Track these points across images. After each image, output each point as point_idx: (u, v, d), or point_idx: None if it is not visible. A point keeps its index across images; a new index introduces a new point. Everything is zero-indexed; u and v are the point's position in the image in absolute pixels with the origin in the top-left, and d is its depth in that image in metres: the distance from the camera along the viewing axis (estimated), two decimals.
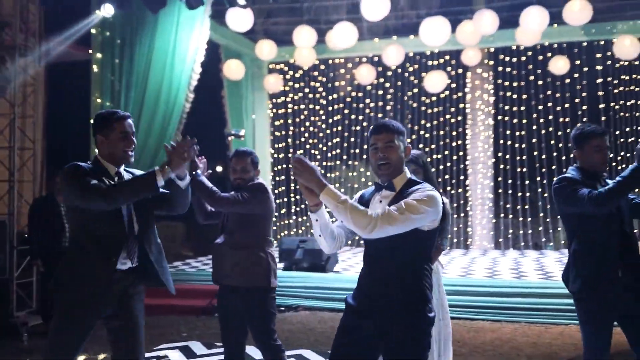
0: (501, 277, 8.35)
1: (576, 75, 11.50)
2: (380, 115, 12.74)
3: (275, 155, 13.17)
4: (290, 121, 13.17)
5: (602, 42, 11.42)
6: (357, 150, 12.93)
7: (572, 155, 4.01)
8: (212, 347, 6.25)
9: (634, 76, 11.42)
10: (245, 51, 12.01)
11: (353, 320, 2.92)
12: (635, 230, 3.36)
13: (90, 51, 8.11)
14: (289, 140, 13.08)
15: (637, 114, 11.47)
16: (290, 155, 13.12)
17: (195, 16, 7.82)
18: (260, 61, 12.65)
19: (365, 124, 12.82)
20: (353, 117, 12.96)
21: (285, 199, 13.16)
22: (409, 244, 2.84)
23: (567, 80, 11.61)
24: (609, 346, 3.59)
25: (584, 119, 11.61)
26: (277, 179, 13.15)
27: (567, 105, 11.71)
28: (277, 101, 13.11)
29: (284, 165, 13.13)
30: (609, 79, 11.52)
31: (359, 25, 10.49)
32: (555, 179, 3.80)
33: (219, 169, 15.55)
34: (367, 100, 12.84)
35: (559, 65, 10.92)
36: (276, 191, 13.09)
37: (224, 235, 4.10)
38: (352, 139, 12.94)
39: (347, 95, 13.02)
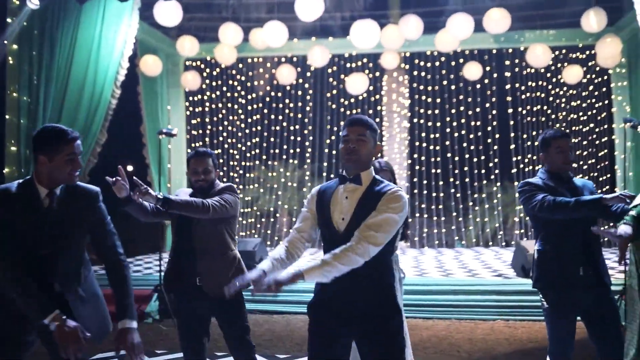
0: (430, 276, 8.58)
1: (487, 81, 12.06)
2: (299, 115, 12.77)
3: None
4: (207, 120, 12.89)
5: (511, 50, 12.06)
6: (277, 151, 12.86)
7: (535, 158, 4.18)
8: (153, 355, 5.99)
9: (539, 83, 12.12)
10: (160, 46, 11.60)
11: (330, 325, 2.88)
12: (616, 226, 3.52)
13: (5, 42, 7.52)
14: (206, 139, 12.79)
15: (543, 119, 12.19)
16: None
17: (124, 8, 7.47)
18: (176, 57, 12.30)
19: (284, 124, 12.80)
20: (272, 117, 12.89)
21: None
22: (388, 249, 2.87)
23: (479, 86, 12.15)
24: (571, 339, 3.79)
25: (494, 123, 12.23)
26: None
27: (478, 110, 12.25)
28: (194, 99, 12.78)
29: None
30: (517, 85, 12.16)
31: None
32: (521, 181, 4.01)
33: (130, 168, 14.92)
34: (287, 101, 12.81)
35: (472, 71, 11.40)
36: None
37: (191, 240, 3.90)
38: (272, 139, 12.87)
39: (267, 95, 12.93)
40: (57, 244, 2.95)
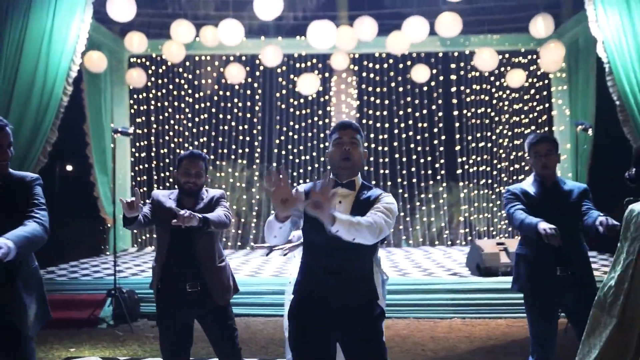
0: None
1: (433, 83, 12.29)
2: (248, 115, 12.64)
3: (137, 154, 12.47)
4: (152, 118, 12.56)
5: (457, 54, 12.33)
6: (225, 151, 12.67)
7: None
8: None
9: (484, 86, 12.44)
10: (104, 42, 11.21)
11: (316, 329, 2.86)
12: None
13: None
14: (152, 138, 12.46)
15: (487, 121, 12.51)
16: (152, 154, 12.53)
17: (76, 1, 7.16)
18: (120, 54, 11.95)
19: (233, 123, 12.63)
20: (221, 116, 12.69)
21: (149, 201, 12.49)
22: (371, 249, 2.91)
23: (425, 88, 12.37)
24: (552, 335, 3.89)
25: (440, 125, 12.48)
26: (138, 179, 12.46)
27: (425, 112, 12.46)
28: (138, 97, 12.44)
29: (146, 165, 12.50)
30: (462, 88, 12.44)
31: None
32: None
33: (69, 167, 14.37)
34: (236, 100, 12.64)
35: (420, 73, 11.59)
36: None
37: (193, 249, 3.75)
38: (220, 139, 12.66)
39: (215, 94, 12.72)
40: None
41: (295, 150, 12.60)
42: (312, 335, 2.85)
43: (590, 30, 7.46)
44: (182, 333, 3.77)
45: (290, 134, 12.66)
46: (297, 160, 12.62)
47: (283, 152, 12.63)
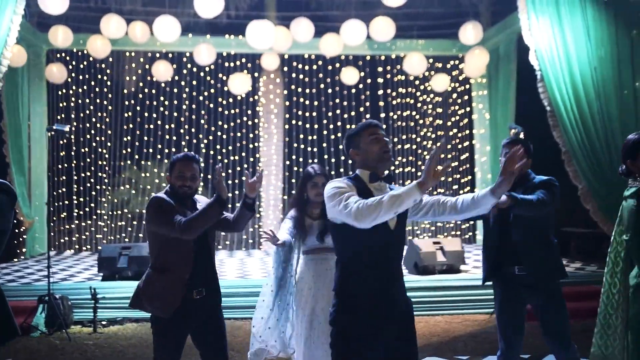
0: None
1: (361, 86, 12.49)
2: (175, 114, 12.33)
3: (55, 154, 11.87)
4: (73, 116, 11.99)
5: (383, 57, 12.61)
6: (150, 150, 12.29)
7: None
8: None
9: (409, 90, 12.78)
10: (22, 35, 10.53)
11: (375, 325, 2.86)
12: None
13: None
14: (72, 136, 11.88)
15: (412, 124, 12.87)
16: (72, 153, 11.96)
17: None
18: (38, 48, 11.33)
19: (159, 122, 12.28)
20: (146, 114, 12.30)
21: (67, 202, 11.95)
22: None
23: (354, 91, 12.55)
24: (516, 330, 4.05)
25: None
26: (56, 179, 11.86)
27: (353, 114, 12.64)
28: (58, 93, 11.84)
29: (65, 165, 11.92)
30: (389, 91, 12.73)
31: (151, 19, 10.06)
32: None
33: None
34: (162, 98, 12.30)
35: (350, 76, 11.77)
36: (55, 193, 11.82)
37: (210, 253, 3.68)
38: (145, 138, 12.26)
39: (140, 91, 12.31)
40: None
41: (224, 151, 12.43)
42: (375, 326, 2.86)
43: (524, 39, 7.85)
44: (181, 345, 3.63)
45: (219, 133, 12.48)
46: (225, 161, 12.45)
47: (211, 152, 12.43)
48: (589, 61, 7.50)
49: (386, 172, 3.06)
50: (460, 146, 12.82)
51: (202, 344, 3.66)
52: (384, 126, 12.08)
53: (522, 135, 7.98)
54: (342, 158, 12.63)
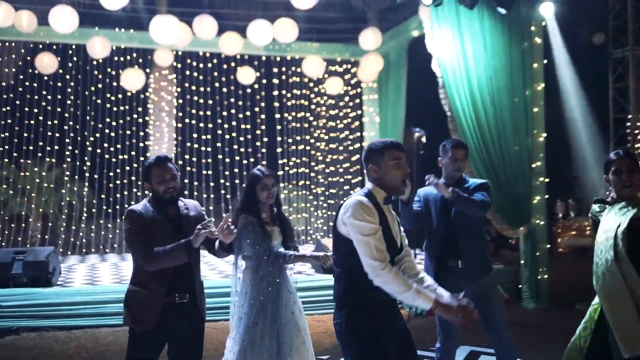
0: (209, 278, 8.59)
1: (256, 86, 12.44)
2: (59, 109, 11.58)
3: None
4: None
5: (279, 59, 12.64)
6: (31, 147, 11.45)
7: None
8: None
9: (303, 91, 12.92)
10: None
11: (389, 323, 2.98)
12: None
13: None
14: None
15: (306, 125, 13.02)
16: None
17: None
18: None
19: (40, 118, 11.47)
20: (26, 109, 11.44)
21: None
22: None
23: (249, 90, 12.48)
24: (455, 330, 4.28)
25: (263, 127, 12.69)
26: None
27: (248, 113, 12.57)
28: None
29: None
30: (284, 92, 12.79)
31: (42, 8, 9.46)
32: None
33: None
34: (44, 92, 11.50)
35: (246, 75, 11.70)
36: None
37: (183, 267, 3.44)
38: (25, 135, 11.41)
39: (20, 84, 11.43)
40: None
41: (112, 149, 11.87)
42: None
43: (427, 47, 8.20)
44: (157, 355, 3.42)
45: (107, 131, 11.89)
46: (113, 160, 11.89)
47: (98, 151, 11.83)
48: (485, 70, 7.98)
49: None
50: (351, 148, 13.17)
51: (181, 353, 3.48)
52: (278, 127, 12.35)
53: (424, 139, 8.37)
54: (237, 158, 12.52)
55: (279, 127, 12.80)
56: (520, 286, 8.41)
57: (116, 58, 11.62)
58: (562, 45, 9.36)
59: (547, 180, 8.35)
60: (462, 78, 7.99)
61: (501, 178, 8.10)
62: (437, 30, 8.02)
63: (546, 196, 8.36)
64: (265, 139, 12.71)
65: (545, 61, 8.32)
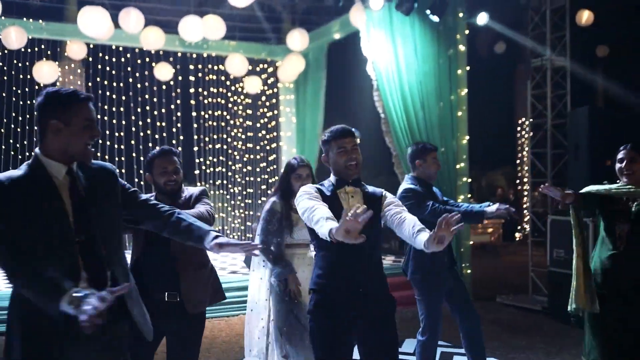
0: None
1: (172, 82, 12.13)
2: None
3: None
4: None
5: (195, 55, 12.41)
6: None
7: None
8: None
9: (220, 90, 12.76)
10: None
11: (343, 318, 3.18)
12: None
13: None
14: None
15: (223, 124, 12.86)
16: None
17: None
18: None
19: None
20: None
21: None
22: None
23: (164, 87, 12.14)
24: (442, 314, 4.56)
25: (179, 125, 12.40)
26: None
27: (164, 110, 12.23)
28: None
29: None
30: (200, 89, 12.57)
31: None
32: (401, 189, 4.57)
33: None
34: None
35: (163, 71, 11.40)
36: None
37: (168, 252, 3.32)
38: None
39: None
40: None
41: (17, 145, 11.14)
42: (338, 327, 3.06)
43: (362, 50, 8.42)
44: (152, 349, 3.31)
45: (13, 126, 11.12)
46: (20, 157, 11.15)
47: (3, 147, 11.05)
48: (416, 75, 8.34)
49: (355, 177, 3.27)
50: (268, 147, 13.18)
51: (174, 352, 3.42)
52: (195, 125, 12.13)
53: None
54: None
55: (195, 126, 12.56)
56: None
57: (23, 49, 10.88)
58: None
59: (469, 180, 8.86)
60: (394, 81, 8.29)
61: None
62: (373, 35, 8.27)
63: (469, 195, 8.87)
64: (181, 137, 12.44)
65: (468, 68, 8.80)
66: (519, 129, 17.06)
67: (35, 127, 2.52)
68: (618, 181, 4.04)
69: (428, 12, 8.08)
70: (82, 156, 2.51)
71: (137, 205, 2.66)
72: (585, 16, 11.26)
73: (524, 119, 17.18)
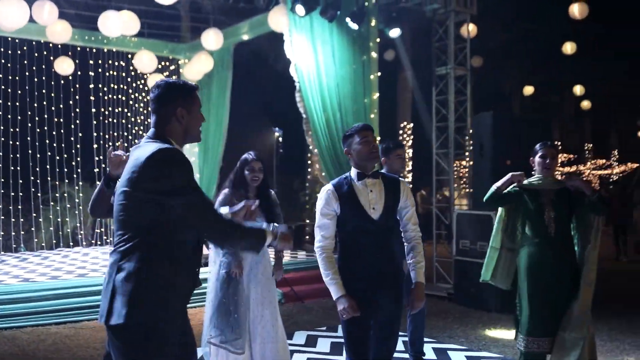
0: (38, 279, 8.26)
1: (71, 78, 11.72)
2: None
3: None
4: None
5: (95, 50, 12.08)
6: None
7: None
8: None
9: (121, 86, 12.51)
10: None
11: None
12: None
13: None
14: None
15: (124, 121, 12.60)
16: None
17: None
18: None
19: None
20: None
21: None
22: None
23: (63, 82, 11.70)
24: None
25: (77, 121, 12.00)
26: None
27: (62, 106, 11.77)
28: None
29: None
30: (100, 85, 12.24)
31: None
32: None
33: None
34: None
35: (65, 66, 11.02)
36: None
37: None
38: None
39: None
40: None
41: None
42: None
43: (285, 53, 8.75)
44: None
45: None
46: None
47: None
48: (334, 78, 8.81)
49: (374, 169, 3.64)
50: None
51: None
52: (94, 122, 11.84)
53: (280, 139, 8.92)
54: (49, 154, 11.66)
55: (95, 122, 12.21)
56: None
57: None
58: None
59: None
60: (315, 84, 8.71)
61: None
62: (295, 38, 8.63)
63: None
64: (80, 134, 12.05)
65: (379, 73, 9.42)
66: (401, 132, 18.22)
67: (152, 116, 2.76)
68: (533, 173, 4.71)
69: (348, 19, 8.59)
70: (197, 138, 2.83)
71: None
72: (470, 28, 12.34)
73: (405, 123, 18.44)
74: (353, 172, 3.59)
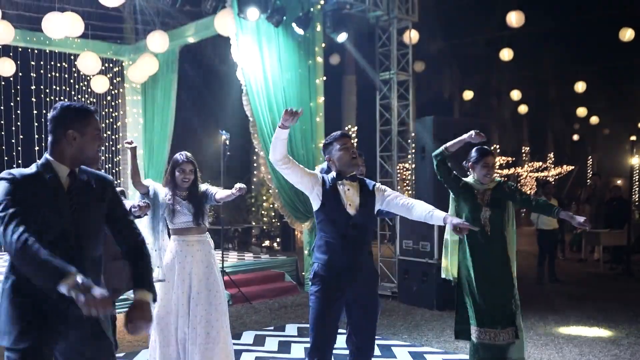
0: None
1: (12, 79, 11.47)
2: None
3: None
4: None
5: (37, 51, 11.85)
6: None
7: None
8: None
9: (64, 88, 12.29)
10: None
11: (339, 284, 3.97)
12: None
13: None
14: None
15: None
16: None
17: None
18: None
19: None
20: None
21: None
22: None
23: (3, 83, 11.44)
24: None
25: (19, 123, 11.74)
26: None
27: (2, 108, 11.50)
28: None
29: None
30: (42, 87, 12.00)
31: None
32: None
33: None
34: None
35: (6, 66, 10.81)
36: None
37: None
38: None
39: None
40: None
41: None
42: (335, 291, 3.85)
43: (232, 56, 8.84)
44: None
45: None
46: None
47: None
48: (280, 82, 8.97)
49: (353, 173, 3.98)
50: (113, 148, 12.98)
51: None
52: (36, 124, 11.59)
53: (227, 142, 8.99)
54: None
55: (36, 124, 11.97)
56: (303, 273, 9.57)
57: None
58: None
59: None
60: (261, 87, 8.84)
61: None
62: (242, 42, 8.74)
63: None
64: (22, 137, 11.80)
65: (324, 78, 9.63)
66: None
67: (49, 136, 2.85)
68: (469, 174, 4.98)
69: (294, 25, 8.76)
70: (93, 161, 2.86)
71: (113, 219, 2.93)
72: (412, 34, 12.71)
73: (350, 126, 18.76)
74: (333, 174, 3.94)
